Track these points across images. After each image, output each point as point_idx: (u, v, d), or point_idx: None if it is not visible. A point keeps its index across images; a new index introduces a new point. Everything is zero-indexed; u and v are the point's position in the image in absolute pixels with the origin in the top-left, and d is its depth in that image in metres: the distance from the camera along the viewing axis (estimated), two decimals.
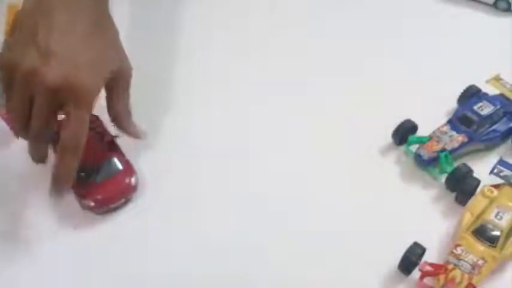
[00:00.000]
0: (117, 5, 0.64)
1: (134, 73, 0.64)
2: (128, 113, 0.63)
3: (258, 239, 0.61)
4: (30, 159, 0.67)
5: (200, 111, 0.72)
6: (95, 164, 0.63)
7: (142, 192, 0.64)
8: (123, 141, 0.66)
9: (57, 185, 0.59)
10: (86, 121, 0.57)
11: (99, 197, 0.62)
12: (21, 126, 0.59)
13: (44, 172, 0.66)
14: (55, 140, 0.60)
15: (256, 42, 0.80)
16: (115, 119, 0.63)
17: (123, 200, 0.63)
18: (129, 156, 0.65)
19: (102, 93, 0.62)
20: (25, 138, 0.60)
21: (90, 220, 0.63)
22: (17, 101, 0.57)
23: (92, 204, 0.62)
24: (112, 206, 0.63)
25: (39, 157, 0.61)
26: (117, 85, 0.62)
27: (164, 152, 0.68)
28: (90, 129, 0.60)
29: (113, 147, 0.65)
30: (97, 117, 0.67)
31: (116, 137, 0.66)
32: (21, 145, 0.63)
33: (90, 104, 0.58)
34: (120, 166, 0.64)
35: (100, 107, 0.63)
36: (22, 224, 0.63)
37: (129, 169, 0.64)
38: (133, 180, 0.63)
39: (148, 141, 0.67)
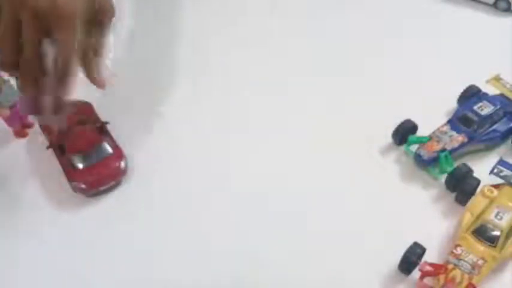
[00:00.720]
0: (116, 3, 0.64)
1: (133, 71, 0.63)
2: (100, 54, 0.61)
3: (257, 239, 0.61)
4: (30, 159, 0.67)
5: (199, 108, 0.72)
6: (86, 149, 0.65)
7: (132, 176, 0.66)
8: (118, 132, 0.67)
9: (58, 109, 0.56)
10: (73, 44, 0.56)
11: (89, 179, 0.64)
12: (12, 59, 0.57)
13: (44, 172, 0.66)
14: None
15: (256, 42, 0.80)
16: (83, 55, 0.59)
17: (112, 183, 0.65)
18: (120, 143, 0.67)
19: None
20: (16, 73, 0.58)
21: (82, 202, 0.64)
22: (6, 30, 0.56)
23: (83, 186, 0.64)
24: (102, 188, 0.65)
25: (31, 91, 0.57)
26: (98, 22, 0.60)
27: (160, 145, 0.69)
28: (80, 115, 0.60)
29: (103, 132, 0.67)
30: (88, 104, 0.68)
31: (106, 123, 0.67)
32: (21, 145, 0.63)
33: (75, 26, 0.57)
34: (110, 150, 0.66)
35: (91, 96, 0.63)
36: (19, 215, 0.64)
37: (118, 153, 0.66)
38: (122, 164, 0.65)
39: (143, 132, 0.69)
